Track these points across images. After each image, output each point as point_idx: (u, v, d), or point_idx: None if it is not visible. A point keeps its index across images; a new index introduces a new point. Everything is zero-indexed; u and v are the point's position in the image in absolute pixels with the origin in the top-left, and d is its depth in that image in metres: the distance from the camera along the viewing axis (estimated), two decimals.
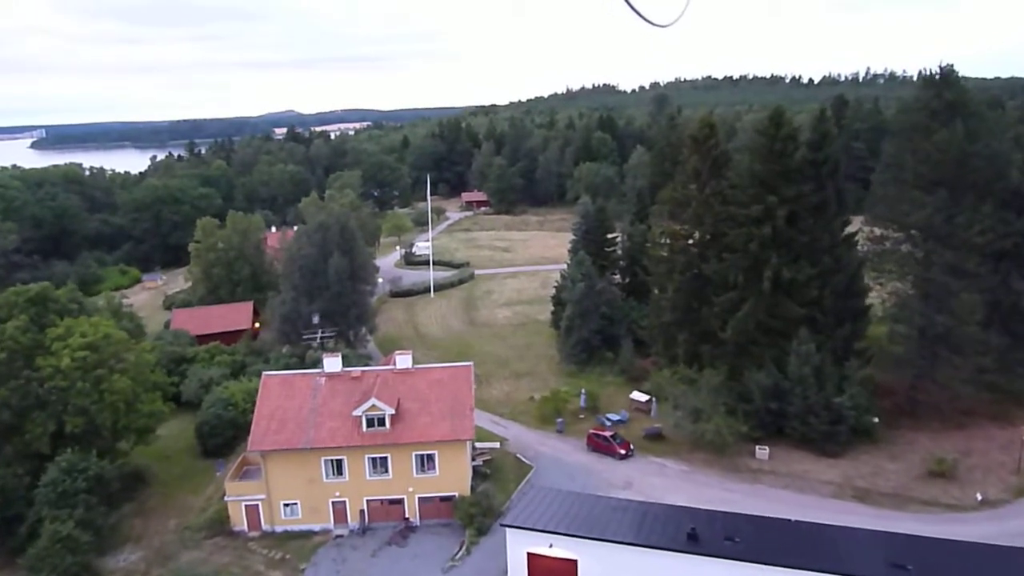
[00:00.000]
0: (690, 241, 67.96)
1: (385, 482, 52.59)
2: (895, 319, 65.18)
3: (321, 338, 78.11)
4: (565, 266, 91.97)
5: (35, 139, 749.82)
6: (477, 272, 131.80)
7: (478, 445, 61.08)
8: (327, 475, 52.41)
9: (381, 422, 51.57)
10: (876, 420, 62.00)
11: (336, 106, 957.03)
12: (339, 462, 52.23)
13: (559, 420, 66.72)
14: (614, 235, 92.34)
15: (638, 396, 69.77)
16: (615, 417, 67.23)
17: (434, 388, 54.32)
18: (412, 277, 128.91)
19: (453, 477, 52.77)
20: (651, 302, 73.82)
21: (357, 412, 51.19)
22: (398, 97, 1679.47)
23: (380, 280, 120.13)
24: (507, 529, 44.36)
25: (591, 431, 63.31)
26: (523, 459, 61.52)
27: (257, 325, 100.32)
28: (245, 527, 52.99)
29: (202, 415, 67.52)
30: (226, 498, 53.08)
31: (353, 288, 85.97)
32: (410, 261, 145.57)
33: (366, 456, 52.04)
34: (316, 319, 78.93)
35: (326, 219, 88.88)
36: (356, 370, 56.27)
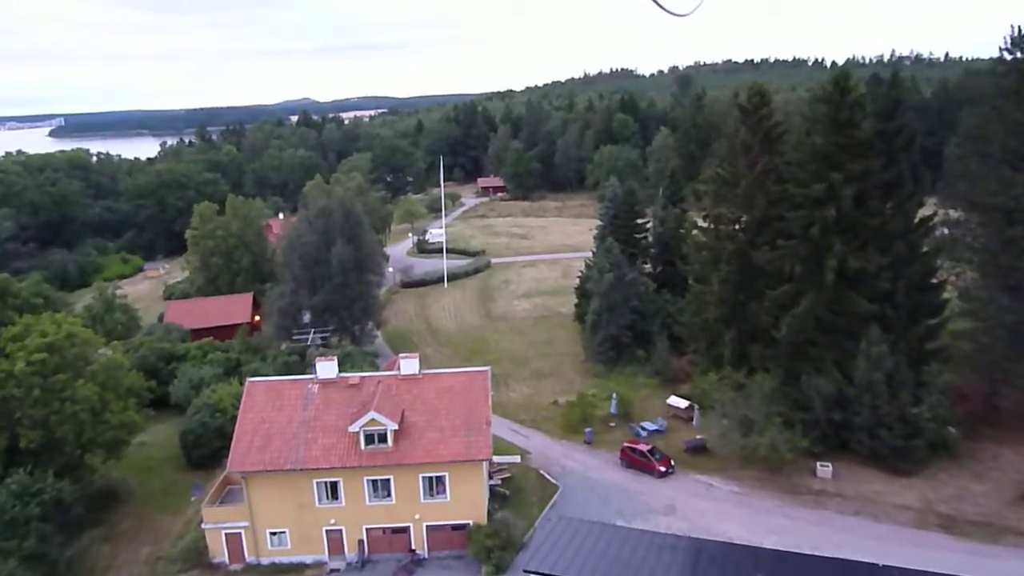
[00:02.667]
0: (736, 226, 59.51)
1: (388, 508, 45.01)
2: (974, 315, 56.66)
3: (313, 338, 70.32)
4: (591, 254, 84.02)
5: (53, 127, 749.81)
6: (493, 261, 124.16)
7: (495, 459, 53.20)
8: (320, 499, 44.90)
9: (382, 438, 43.92)
10: (953, 431, 53.68)
11: (352, 94, 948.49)
12: (334, 485, 44.68)
13: (587, 430, 58.80)
14: (644, 220, 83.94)
15: (677, 402, 61.70)
16: (651, 426, 59.25)
17: (445, 398, 46.48)
18: (425, 266, 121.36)
19: (467, 502, 45.12)
20: (691, 295, 65.54)
21: (354, 427, 43.53)
22: (414, 84, 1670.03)
23: (390, 270, 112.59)
24: None
25: (625, 444, 55.34)
26: (547, 476, 53.68)
27: (257, 318, 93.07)
28: (226, 559, 45.57)
29: (187, 422, 60.34)
30: (203, 525, 45.72)
31: (358, 279, 78.51)
32: (423, 249, 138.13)
33: (365, 478, 44.44)
34: (307, 317, 71.22)
35: (329, 203, 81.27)
36: (354, 376, 48.49)
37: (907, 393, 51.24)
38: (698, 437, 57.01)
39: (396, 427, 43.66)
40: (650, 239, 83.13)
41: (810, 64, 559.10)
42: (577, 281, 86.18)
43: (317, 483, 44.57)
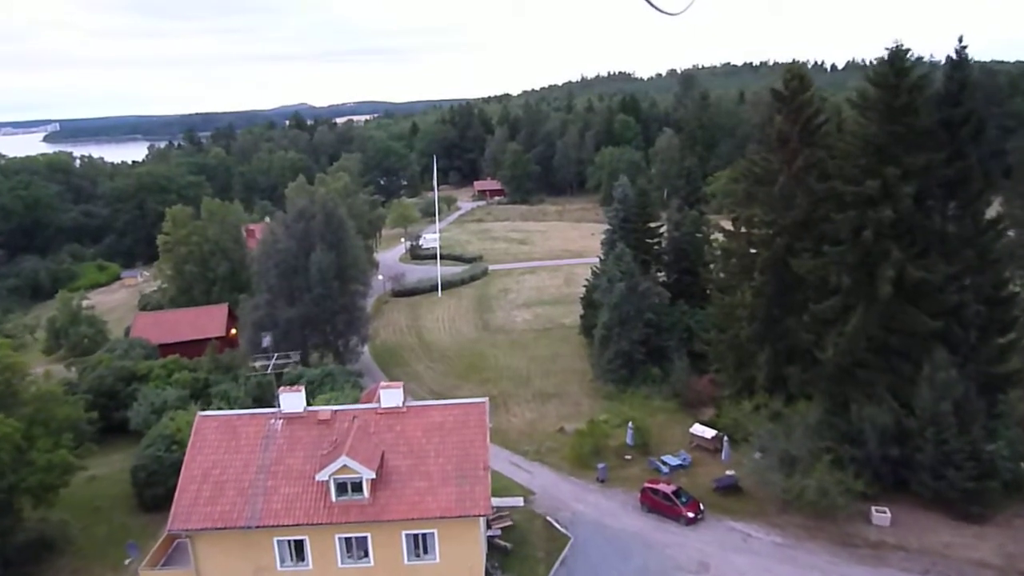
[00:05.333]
0: (771, 230, 51.85)
1: (364, 571, 37.17)
2: None
3: (275, 366, 62.23)
4: (597, 260, 76.47)
5: (48, 132, 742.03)
6: (491, 267, 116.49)
7: (495, 502, 45.47)
8: (283, 561, 37.08)
9: (357, 488, 36.16)
10: None
11: (349, 99, 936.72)
12: (299, 544, 36.86)
13: (600, 465, 50.95)
14: (658, 224, 76.28)
15: (702, 431, 53.94)
16: (674, 461, 51.42)
17: (434, 436, 38.69)
18: (417, 273, 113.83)
19: (460, 563, 37.29)
20: (716, 308, 57.90)
21: (322, 475, 35.76)
22: (410, 89, 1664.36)
23: (380, 277, 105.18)
24: None
25: (646, 484, 47.46)
26: (556, 524, 45.76)
27: (234, 332, 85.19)
28: None
29: (139, 456, 52.60)
30: None
31: (341, 289, 70.82)
32: (416, 255, 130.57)
33: (337, 536, 36.64)
34: (267, 342, 63.29)
35: (309, 206, 73.52)
36: (325, 410, 40.67)
37: (979, 426, 43.58)
38: (729, 474, 49.25)
39: (373, 475, 35.85)
40: (664, 244, 75.55)
41: (810, 66, 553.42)
42: (581, 289, 78.90)
43: (279, 542, 36.75)
